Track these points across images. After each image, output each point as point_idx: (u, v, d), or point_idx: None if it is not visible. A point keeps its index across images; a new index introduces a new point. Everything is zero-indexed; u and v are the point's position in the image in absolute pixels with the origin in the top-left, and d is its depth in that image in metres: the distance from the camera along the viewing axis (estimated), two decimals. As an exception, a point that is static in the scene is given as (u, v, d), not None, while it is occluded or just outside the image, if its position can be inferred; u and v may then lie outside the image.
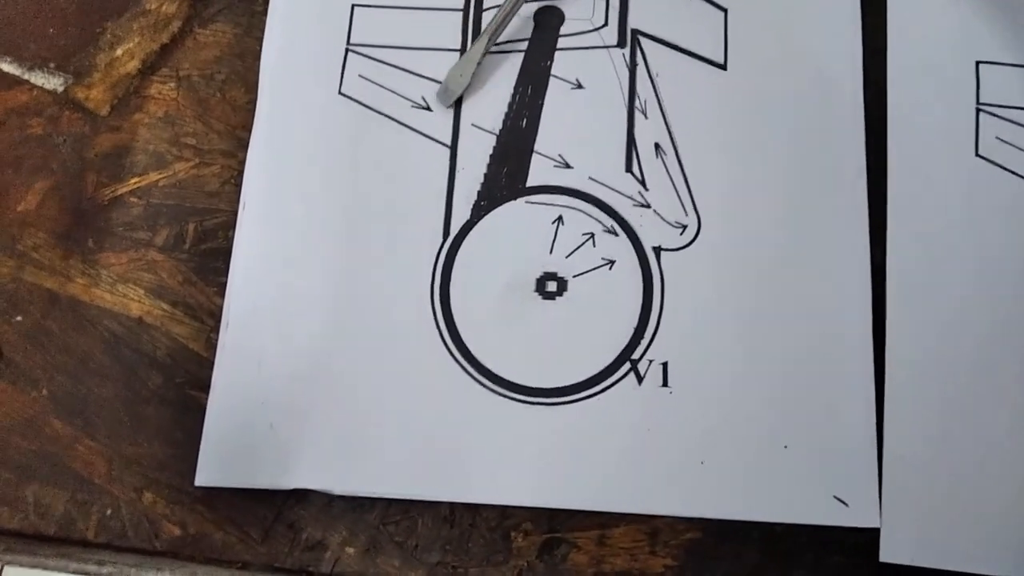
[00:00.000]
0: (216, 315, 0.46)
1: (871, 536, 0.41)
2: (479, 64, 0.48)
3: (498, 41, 0.49)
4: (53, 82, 0.50)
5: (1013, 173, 0.46)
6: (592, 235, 0.46)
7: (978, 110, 0.47)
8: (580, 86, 0.49)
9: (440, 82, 0.49)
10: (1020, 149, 0.46)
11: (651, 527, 0.43)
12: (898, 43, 0.48)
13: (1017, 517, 0.41)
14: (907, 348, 0.43)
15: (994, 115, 0.46)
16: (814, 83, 0.48)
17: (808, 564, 0.42)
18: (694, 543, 0.42)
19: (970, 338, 0.43)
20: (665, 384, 0.44)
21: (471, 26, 0.50)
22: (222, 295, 0.46)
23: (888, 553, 0.41)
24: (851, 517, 0.42)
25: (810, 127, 0.47)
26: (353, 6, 0.51)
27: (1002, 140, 0.46)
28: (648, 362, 0.44)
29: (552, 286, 0.46)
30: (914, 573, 0.41)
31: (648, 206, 0.46)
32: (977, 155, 0.46)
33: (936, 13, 0.48)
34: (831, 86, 0.48)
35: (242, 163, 0.48)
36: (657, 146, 0.47)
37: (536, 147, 0.48)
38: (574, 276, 0.46)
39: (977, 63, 0.47)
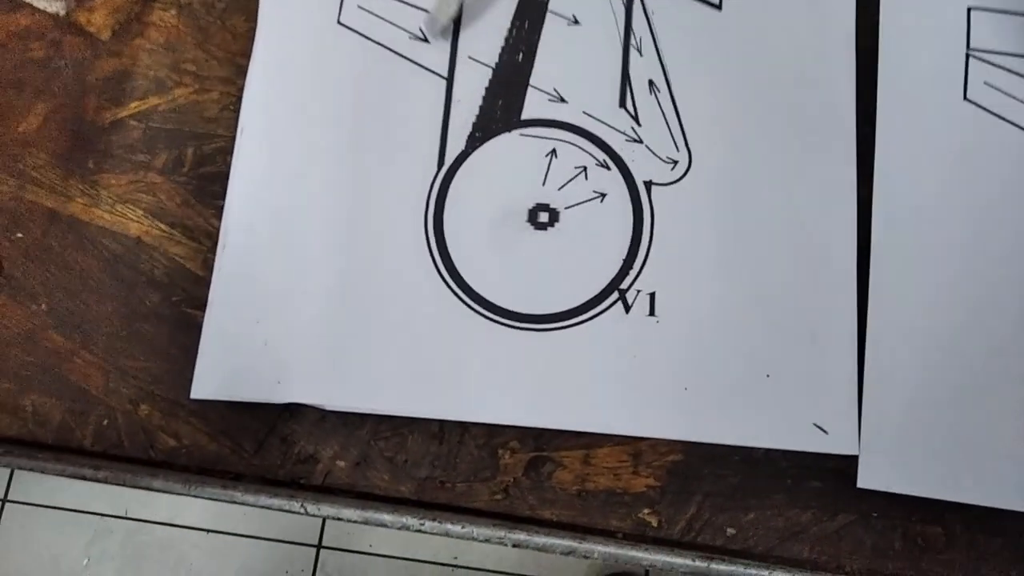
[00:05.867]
0: (213, 236, 0.47)
1: (849, 463, 0.42)
2: None
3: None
4: (55, 6, 0.51)
5: (1000, 117, 0.46)
6: (584, 168, 0.47)
7: (968, 55, 0.47)
8: (577, 22, 0.49)
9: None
10: (1007, 94, 0.47)
11: (635, 448, 0.44)
12: (892, -13, 0.48)
13: (991, 446, 0.42)
14: (890, 284, 0.44)
15: (983, 60, 0.47)
16: (807, 24, 0.48)
17: (787, 488, 0.43)
18: (676, 465, 0.43)
19: (952, 273, 0.44)
20: (652, 313, 0.45)
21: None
22: (219, 217, 0.47)
23: (866, 479, 0.42)
24: (830, 444, 0.43)
25: (802, 67, 0.48)
26: (354, -62, 0.51)
27: (990, 85, 0.47)
28: (636, 292, 0.45)
29: (544, 217, 0.46)
30: (890, 499, 0.42)
31: (640, 141, 0.47)
32: (965, 99, 0.47)
33: (930, -43, 0.49)
34: (824, 27, 0.48)
35: (241, 90, 0.49)
36: (651, 83, 0.48)
37: (532, 81, 0.48)
38: (566, 208, 0.46)
39: (969, 9, 0.48)
